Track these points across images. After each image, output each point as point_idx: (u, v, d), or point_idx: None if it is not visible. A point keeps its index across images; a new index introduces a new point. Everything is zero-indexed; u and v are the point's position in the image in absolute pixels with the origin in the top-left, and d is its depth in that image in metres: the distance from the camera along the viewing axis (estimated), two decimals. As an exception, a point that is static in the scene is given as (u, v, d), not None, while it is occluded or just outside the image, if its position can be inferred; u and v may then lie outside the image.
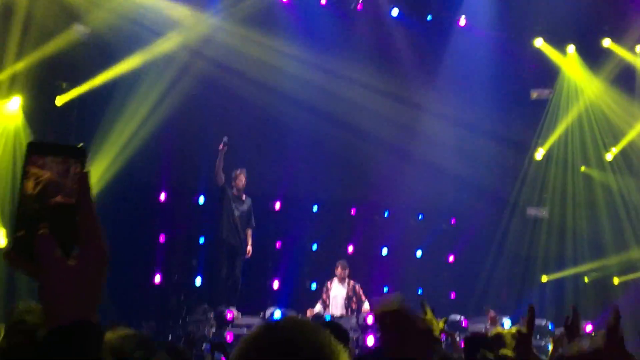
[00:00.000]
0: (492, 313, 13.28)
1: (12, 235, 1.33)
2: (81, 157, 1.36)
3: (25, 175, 1.33)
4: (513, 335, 3.10)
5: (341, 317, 13.18)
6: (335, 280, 13.91)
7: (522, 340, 2.97)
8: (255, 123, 15.50)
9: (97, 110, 13.94)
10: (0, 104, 13.36)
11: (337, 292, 13.81)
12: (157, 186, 14.99)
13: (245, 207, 13.84)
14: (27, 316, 2.67)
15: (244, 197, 13.87)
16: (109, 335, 2.75)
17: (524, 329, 2.96)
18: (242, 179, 13.73)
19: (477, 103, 16.77)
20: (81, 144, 1.39)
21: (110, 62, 13.80)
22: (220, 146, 13.36)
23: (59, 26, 13.29)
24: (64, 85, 13.82)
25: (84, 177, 1.35)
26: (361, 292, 13.87)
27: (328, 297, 13.78)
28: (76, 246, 1.34)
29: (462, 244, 17.06)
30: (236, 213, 13.67)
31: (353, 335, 12.23)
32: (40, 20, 13.01)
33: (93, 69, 13.72)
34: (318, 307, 13.63)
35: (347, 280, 13.89)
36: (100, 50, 13.78)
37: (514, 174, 17.81)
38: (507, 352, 2.77)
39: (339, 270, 13.89)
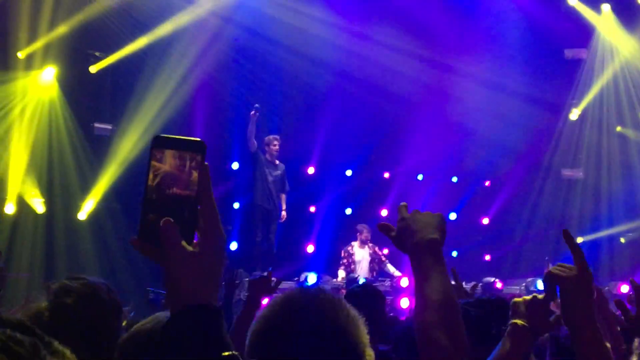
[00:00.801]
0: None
1: (139, 225, 1.40)
2: (200, 150, 1.45)
3: (148, 168, 1.41)
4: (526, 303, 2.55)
5: (373, 281, 13.23)
6: (356, 245, 13.83)
7: (537, 309, 2.54)
8: (287, 89, 15.55)
9: (130, 78, 14.06)
10: (35, 75, 13.52)
11: (362, 256, 13.78)
12: (192, 153, 15.08)
13: (279, 172, 13.89)
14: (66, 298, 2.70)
15: (277, 162, 13.92)
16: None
17: (540, 296, 2.53)
18: (275, 145, 13.78)
19: (510, 64, 16.60)
20: (199, 139, 1.46)
21: (142, 30, 13.89)
22: (252, 112, 13.39)
23: (90, -5, 13.40)
24: (98, 54, 13.94)
25: (204, 169, 1.43)
26: (380, 253, 13.84)
27: (353, 261, 13.72)
28: (197, 235, 1.42)
29: (496, 207, 17.00)
30: (270, 178, 13.73)
31: (388, 298, 12.31)
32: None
33: (125, 37, 13.84)
34: (342, 273, 13.61)
35: (368, 243, 13.84)
36: (132, 18, 13.86)
37: (548, 136, 17.64)
38: (518, 321, 2.48)
39: (364, 234, 13.86)
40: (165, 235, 1.37)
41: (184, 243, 1.38)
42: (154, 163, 1.41)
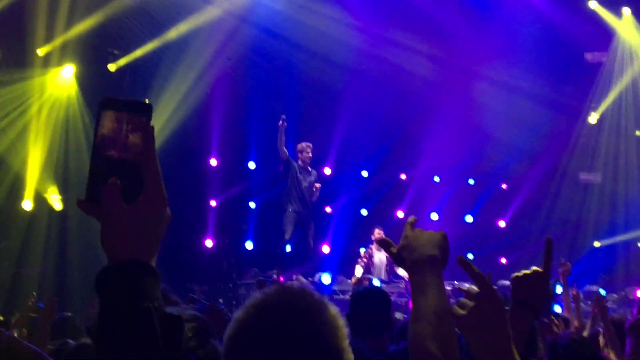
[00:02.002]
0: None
1: (86, 186, 1.45)
2: (145, 112, 1.47)
3: (95, 130, 1.45)
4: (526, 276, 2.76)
5: (389, 282, 13.26)
6: (374, 246, 13.89)
7: (538, 280, 2.73)
8: (303, 89, 15.55)
9: (148, 76, 14.12)
10: (54, 72, 13.58)
11: (379, 259, 13.82)
12: (208, 151, 15.16)
13: (312, 177, 13.91)
14: None
15: (309, 168, 13.95)
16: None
17: (539, 268, 2.73)
18: (308, 152, 13.82)
19: (529, 68, 16.53)
20: (146, 101, 1.50)
21: (160, 29, 13.95)
22: (280, 122, 13.38)
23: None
24: (116, 52, 14.00)
25: (148, 131, 1.46)
26: None
27: (372, 263, 13.76)
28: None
29: (512, 209, 16.94)
30: (303, 184, 13.75)
31: (401, 300, 12.33)
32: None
33: (143, 36, 13.90)
34: (359, 270, 13.61)
35: None
36: (150, 17, 13.92)
37: (566, 139, 17.56)
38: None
39: (376, 236, 13.90)
40: (105, 194, 1.42)
41: (122, 202, 1.43)
42: (99, 126, 1.44)
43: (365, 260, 13.76)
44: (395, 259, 2.23)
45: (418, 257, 2.14)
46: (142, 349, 1.37)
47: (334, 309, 1.69)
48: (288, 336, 1.61)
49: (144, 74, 14.19)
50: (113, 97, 1.47)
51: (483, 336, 1.87)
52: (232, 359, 1.65)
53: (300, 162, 13.82)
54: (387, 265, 13.74)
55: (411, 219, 2.26)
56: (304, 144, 13.91)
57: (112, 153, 1.44)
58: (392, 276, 13.73)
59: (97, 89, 13.88)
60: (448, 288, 13.04)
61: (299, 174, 13.73)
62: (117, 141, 1.44)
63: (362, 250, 13.95)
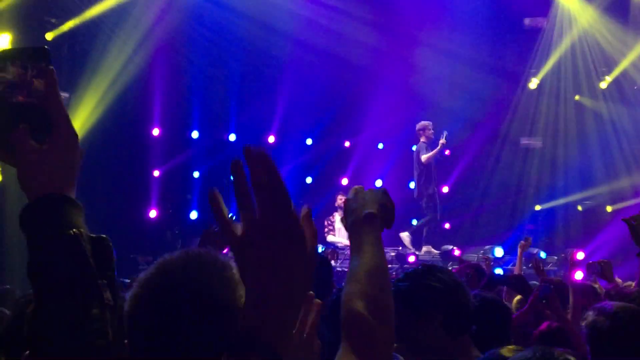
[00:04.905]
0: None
1: None
2: (43, 57, 1.54)
3: None
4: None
5: (336, 246, 13.41)
6: (336, 214, 14.14)
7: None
8: (246, 57, 15.45)
9: (87, 45, 13.85)
10: (-11, 41, 13.23)
11: (341, 223, 14.01)
12: (150, 121, 14.98)
13: None
14: None
15: None
16: None
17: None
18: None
19: (470, 34, 16.61)
20: (41, 46, 1.56)
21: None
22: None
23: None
24: (54, 20, 13.69)
25: (49, 74, 1.52)
26: None
27: (333, 229, 14.03)
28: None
29: (455, 175, 17.12)
30: None
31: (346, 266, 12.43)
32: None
33: (81, 5, 13.58)
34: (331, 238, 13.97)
35: None
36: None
37: (507, 105, 17.79)
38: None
39: (338, 202, 14.13)
40: (15, 137, 1.49)
41: (33, 143, 1.50)
42: (9, 69, 1.50)
43: (326, 229, 14.03)
44: (344, 224, 2.21)
45: (355, 217, 2.11)
46: (77, 274, 1.42)
47: (233, 269, 1.68)
48: (183, 295, 1.62)
49: (83, 43, 13.91)
50: (10, 48, 1.56)
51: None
52: (134, 317, 1.65)
53: None
54: (349, 227, 13.97)
55: (357, 187, 2.24)
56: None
57: (18, 99, 1.50)
58: None
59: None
60: (392, 253, 13.23)
61: None
62: (22, 87, 1.50)
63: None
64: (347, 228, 2.16)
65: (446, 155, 17.44)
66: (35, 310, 1.42)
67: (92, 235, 1.48)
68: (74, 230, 1.44)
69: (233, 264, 1.68)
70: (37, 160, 1.50)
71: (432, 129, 14.73)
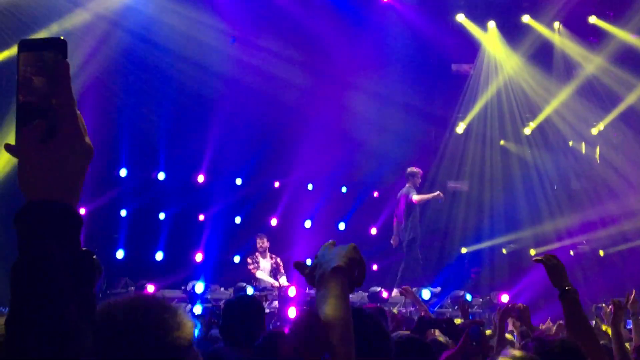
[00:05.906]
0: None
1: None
2: (59, 48, 1.46)
3: (17, 74, 1.45)
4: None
5: (266, 288, 13.32)
6: (258, 255, 14.05)
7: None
8: (176, 96, 15.37)
9: (14, 80, 13.58)
10: None
11: (264, 265, 13.96)
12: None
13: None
14: None
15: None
16: None
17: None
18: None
19: (400, 78, 16.92)
20: (59, 37, 1.48)
21: (27, 32, 13.43)
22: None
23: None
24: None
25: (64, 68, 1.45)
26: (280, 265, 14.05)
27: (258, 266, 13.93)
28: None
29: (383, 217, 17.24)
30: None
31: (274, 307, 12.37)
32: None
33: (9, 39, 13.36)
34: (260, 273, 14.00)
35: (267, 253, 14.08)
36: (17, 20, 13.42)
37: (435, 148, 18.07)
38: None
39: (264, 244, 14.06)
40: (21, 135, 1.43)
41: (39, 142, 1.43)
42: (19, 68, 1.44)
43: (252, 266, 13.93)
44: (307, 280, 2.26)
45: (323, 271, 2.17)
46: (62, 284, 1.36)
47: (179, 312, 1.74)
48: (128, 334, 1.67)
49: (10, 78, 13.66)
50: (29, 39, 1.46)
51: None
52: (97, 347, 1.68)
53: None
54: (270, 271, 13.89)
55: (329, 242, 2.30)
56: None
57: (19, 98, 1.44)
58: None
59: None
60: (364, 294, 13.13)
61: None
62: (24, 85, 1.44)
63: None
64: (315, 280, 2.20)
65: (375, 197, 17.64)
66: (13, 318, 1.35)
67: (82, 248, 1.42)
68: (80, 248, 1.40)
69: (175, 306, 1.75)
70: (38, 161, 1.42)
71: (420, 178, 15.13)
